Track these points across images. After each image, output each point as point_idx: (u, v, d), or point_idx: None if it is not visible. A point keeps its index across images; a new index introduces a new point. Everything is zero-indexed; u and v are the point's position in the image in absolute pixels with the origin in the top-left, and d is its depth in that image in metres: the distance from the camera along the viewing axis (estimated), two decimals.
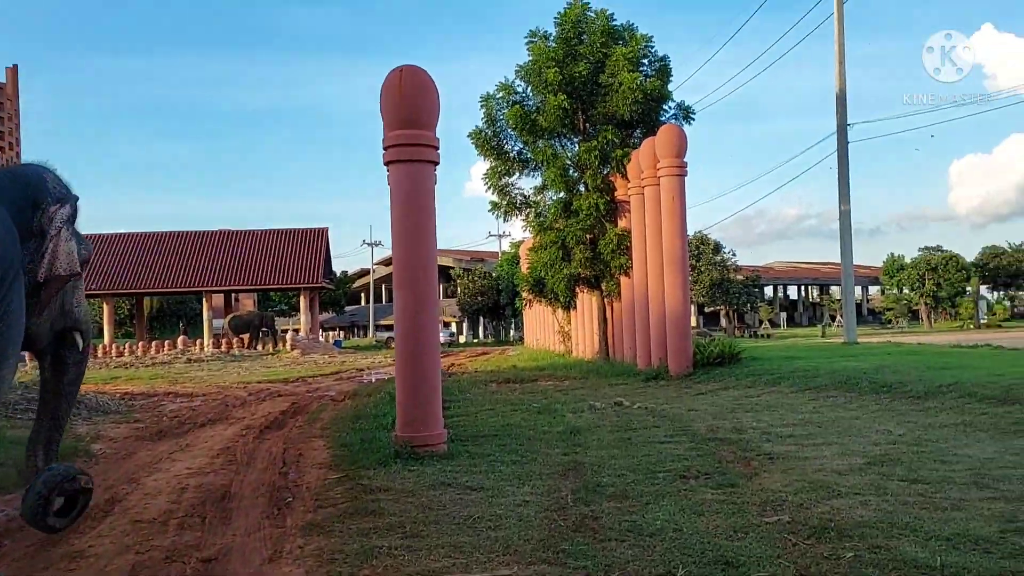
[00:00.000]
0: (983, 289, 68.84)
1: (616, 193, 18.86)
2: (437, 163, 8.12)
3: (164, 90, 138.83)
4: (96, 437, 10.54)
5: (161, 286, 43.46)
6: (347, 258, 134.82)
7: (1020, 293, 75.64)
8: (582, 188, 19.19)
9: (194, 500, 6.66)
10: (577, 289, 20.53)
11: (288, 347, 37.54)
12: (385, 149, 8.03)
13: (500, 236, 66.31)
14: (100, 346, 36.54)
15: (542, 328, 33.72)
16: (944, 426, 8.41)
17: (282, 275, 43.18)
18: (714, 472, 6.56)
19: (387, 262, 78.75)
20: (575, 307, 24.05)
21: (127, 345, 37.61)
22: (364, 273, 76.52)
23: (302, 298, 44.04)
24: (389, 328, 55.01)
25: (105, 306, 44.05)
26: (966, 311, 60.95)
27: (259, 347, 39.41)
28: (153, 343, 38.56)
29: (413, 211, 7.86)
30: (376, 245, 69.76)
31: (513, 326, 60.71)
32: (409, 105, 7.81)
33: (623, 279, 18.74)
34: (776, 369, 13.85)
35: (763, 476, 6.35)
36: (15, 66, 19.37)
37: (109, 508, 6.39)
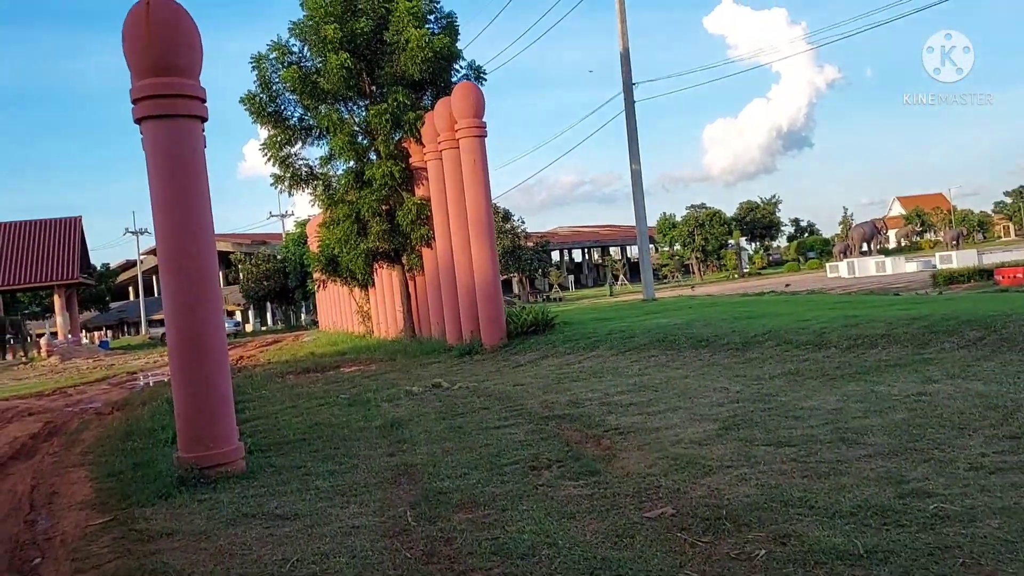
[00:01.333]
0: (743, 241, 75.23)
1: (411, 160, 17.68)
2: (205, 119, 6.59)
3: None
4: None
5: None
6: (109, 250, 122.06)
7: (773, 243, 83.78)
8: (373, 156, 17.83)
9: None
10: (376, 265, 19.21)
11: (44, 353, 32.88)
12: (135, 103, 6.37)
13: (283, 216, 62.74)
14: None
15: (338, 309, 31.98)
16: (773, 377, 8.26)
17: (30, 272, 37.71)
18: (567, 458, 5.77)
19: (155, 251, 72.16)
20: (373, 284, 22.71)
21: None
22: (130, 265, 69.52)
23: (56, 297, 38.82)
24: (164, 323, 50.35)
25: None
26: (730, 262, 66.32)
27: (7, 356, 34.23)
28: None
29: (179, 176, 6.30)
30: (141, 233, 63.30)
31: (304, 310, 57.85)
32: (162, 46, 6.20)
33: (425, 251, 17.70)
34: (592, 332, 13.51)
35: (622, 457, 5.65)
36: None
37: None
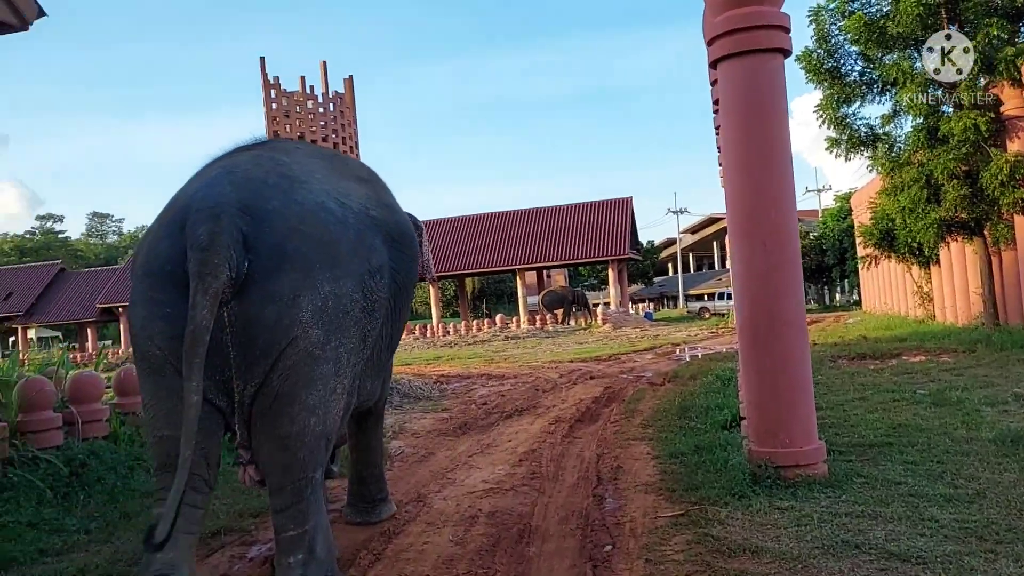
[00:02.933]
0: None
1: (1003, 108, 14.37)
2: (789, 53, 5.55)
3: (471, 89, 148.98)
4: (399, 431, 9.55)
5: (478, 266, 44.88)
6: (651, 229, 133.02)
7: None
8: (948, 109, 14.96)
9: (484, 539, 4.94)
10: (947, 238, 16.22)
11: (599, 321, 36.48)
12: (710, 43, 5.63)
13: (820, 191, 59.88)
14: (428, 326, 38.50)
15: (888, 290, 28.80)
16: None
17: (590, 248, 42.31)
18: None
19: (693, 230, 75.47)
20: (937, 261, 19.56)
21: (452, 325, 39.16)
22: (670, 243, 73.98)
23: (610, 270, 42.86)
24: (700, 298, 52.14)
25: (431, 288, 46.64)
26: None
27: (571, 322, 38.94)
28: (475, 322, 39.77)
29: (756, 125, 5.38)
30: (681, 213, 66.60)
31: (840, 289, 54.45)
32: None
33: (1018, 219, 14.27)
34: None
35: None
36: (350, 76, 20.56)
37: (381, 549, 4.88)
